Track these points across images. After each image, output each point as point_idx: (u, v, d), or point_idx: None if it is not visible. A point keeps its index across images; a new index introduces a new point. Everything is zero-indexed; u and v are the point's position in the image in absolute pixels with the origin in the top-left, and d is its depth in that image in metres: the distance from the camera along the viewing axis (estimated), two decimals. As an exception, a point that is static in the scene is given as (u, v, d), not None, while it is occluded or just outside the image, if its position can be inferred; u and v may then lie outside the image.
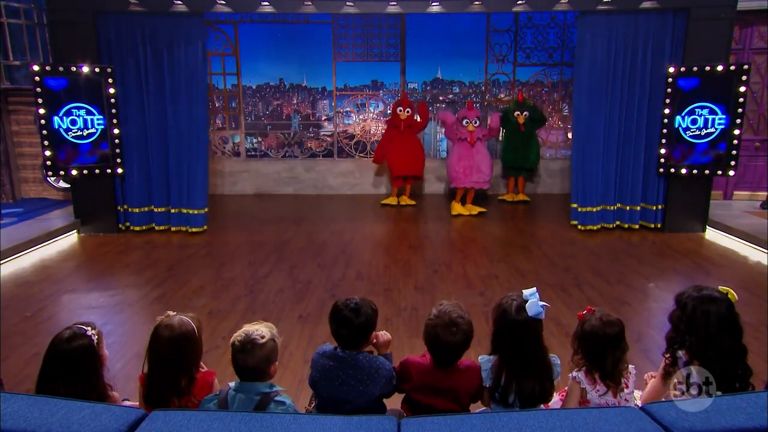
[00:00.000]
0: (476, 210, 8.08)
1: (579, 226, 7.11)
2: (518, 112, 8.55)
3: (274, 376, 2.23)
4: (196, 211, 7.11)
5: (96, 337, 2.25)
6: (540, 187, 9.81)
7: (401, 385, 2.42)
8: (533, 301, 2.22)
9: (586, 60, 6.79)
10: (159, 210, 7.16)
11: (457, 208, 8.09)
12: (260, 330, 2.17)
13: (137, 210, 7.13)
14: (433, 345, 2.30)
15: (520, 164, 8.86)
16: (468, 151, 7.93)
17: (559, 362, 2.35)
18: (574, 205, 7.17)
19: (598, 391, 2.38)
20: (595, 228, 7.10)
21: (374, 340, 2.46)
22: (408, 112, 8.47)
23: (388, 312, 4.60)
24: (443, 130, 8.50)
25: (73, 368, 2.15)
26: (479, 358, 2.38)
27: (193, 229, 7.12)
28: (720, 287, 2.43)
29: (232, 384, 2.18)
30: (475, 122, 7.97)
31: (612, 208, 7.11)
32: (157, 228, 7.17)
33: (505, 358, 2.28)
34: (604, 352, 2.35)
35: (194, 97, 6.85)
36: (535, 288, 2.28)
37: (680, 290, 2.52)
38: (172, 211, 7.14)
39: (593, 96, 6.82)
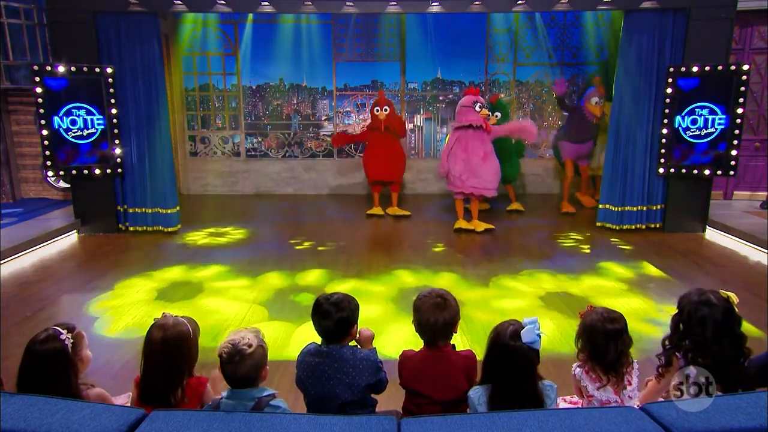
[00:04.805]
0: (482, 226, 7.09)
1: (615, 226, 7.07)
2: (489, 114, 7.48)
3: (268, 378, 2.22)
4: (166, 211, 7.07)
5: (72, 341, 2.23)
6: (541, 187, 9.81)
7: (400, 376, 2.45)
8: (530, 328, 2.13)
9: (632, 59, 6.75)
10: (133, 210, 7.11)
11: (460, 223, 7.17)
12: (246, 338, 2.11)
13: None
14: (422, 321, 2.35)
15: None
16: (466, 143, 6.83)
17: (554, 394, 2.23)
18: (607, 206, 7.15)
19: (597, 386, 2.38)
20: (633, 227, 7.09)
21: (357, 336, 2.51)
22: (386, 110, 7.85)
23: (388, 312, 4.60)
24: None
25: (42, 370, 2.15)
26: (470, 392, 2.26)
27: (168, 229, 7.07)
28: (721, 291, 2.41)
29: (224, 393, 2.16)
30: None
31: (637, 208, 7.09)
32: (131, 229, 7.11)
33: (495, 385, 2.19)
34: (606, 346, 2.35)
35: (152, 96, 6.82)
36: (536, 317, 2.18)
37: (684, 292, 2.51)
38: (147, 211, 7.09)
39: (635, 95, 6.83)
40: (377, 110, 7.93)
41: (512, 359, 2.13)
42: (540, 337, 2.14)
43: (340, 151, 9.89)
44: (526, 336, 2.12)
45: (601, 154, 7.93)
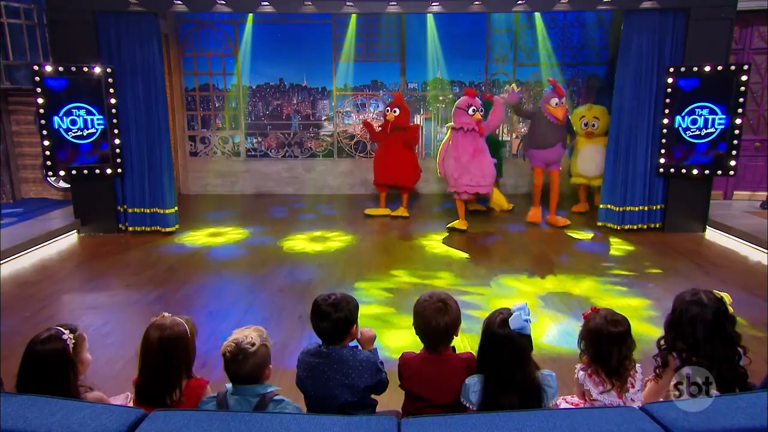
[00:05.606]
0: (464, 225, 7.08)
1: (616, 226, 7.05)
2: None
3: (271, 377, 2.23)
4: (164, 211, 7.05)
5: (73, 341, 2.22)
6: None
7: (400, 379, 2.44)
8: (517, 314, 2.16)
9: (632, 59, 6.74)
10: (132, 210, 7.09)
11: (461, 224, 7.13)
12: (250, 336, 2.12)
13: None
14: (423, 326, 2.34)
15: None
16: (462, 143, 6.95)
17: (555, 383, 2.25)
18: (608, 206, 7.14)
19: (600, 390, 2.38)
20: (635, 227, 7.05)
21: (358, 336, 2.50)
22: (396, 112, 7.73)
23: (388, 312, 4.60)
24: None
25: (42, 370, 2.14)
26: (466, 380, 2.29)
27: (166, 229, 7.06)
28: (714, 291, 2.41)
29: (228, 386, 2.17)
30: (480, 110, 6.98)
31: (638, 208, 7.08)
32: (131, 229, 7.08)
33: (488, 374, 2.22)
34: (609, 350, 2.35)
35: (152, 96, 6.81)
36: (525, 303, 2.21)
37: (680, 291, 2.52)
38: (146, 211, 7.07)
39: (636, 95, 6.81)
40: (387, 110, 7.86)
41: (503, 347, 2.17)
42: (529, 322, 2.16)
43: (340, 151, 9.90)
44: (513, 323, 2.15)
45: (592, 160, 7.77)
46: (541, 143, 7.23)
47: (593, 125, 7.74)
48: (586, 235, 7.02)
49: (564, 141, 7.30)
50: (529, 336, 2.19)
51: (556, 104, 7.02)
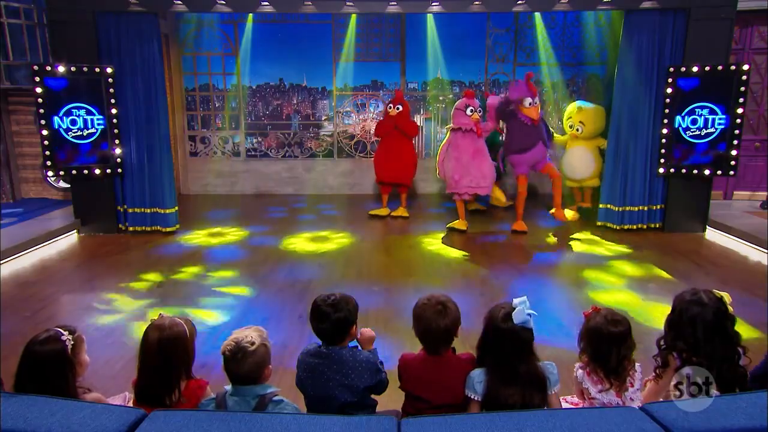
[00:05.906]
0: (464, 225, 7.11)
1: (616, 226, 7.06)
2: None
3: (271, 378, 2.23)
4: (165, 211, 7.05)
5: (72, 342, 2.22)
6: (537, 187, 9.80)
7: (400, 380, 2.44)
8: (520, 308, 2.18)
9: (632, 59, 6.74)
10: (133, 210, 7.09)
11: (460, 224, 7.13)
12: (250, 336, 2.14)
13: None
14: (423, 329, 2.34)
15: None
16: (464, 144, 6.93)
17: (555, 371, 2.28)
18: (608, 206, 7.15)
19: (599, 389, 2.38)
20: (635, 227, 7.07)
21: (357, 336, 2.49)
22: (398, 109, 7.74)
23: (388, 313, 4.60)
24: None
25: (41, 371, 2.14)
26: (471, 372, 2.31)
27: (166, 229, 7.06)
28: (714, 291, 2.41)
29: (228, 387, 2.17)
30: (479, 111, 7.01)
31: (638, 208, 7.09)
32: (131, 229, 7.08)
33: (491, 367, 2.24)
34: (608, 350, 2.35)
35: (152, 96, 6.81)
36: (525, 297, 2.23)
37: (680, 291, 2.52)
38: (146, 211, 7.07)
39: (637, 95, 6.81)
40: (390, 107, 7.83)
41: (505, 341, 2.19)
42: (531, 316, 2.18)
43: (340, 151, 9.90)
44: (517, 317, 2.17)
45: (580, 162, 7.75)
46: (519, 147, 6.90)
47: (578, 129, 7.67)
48: (585, 235, 7.02)
49: (544, 140, 6.92)
50: (531, 329, 2.21)
51: (530, 104, 6.70)
